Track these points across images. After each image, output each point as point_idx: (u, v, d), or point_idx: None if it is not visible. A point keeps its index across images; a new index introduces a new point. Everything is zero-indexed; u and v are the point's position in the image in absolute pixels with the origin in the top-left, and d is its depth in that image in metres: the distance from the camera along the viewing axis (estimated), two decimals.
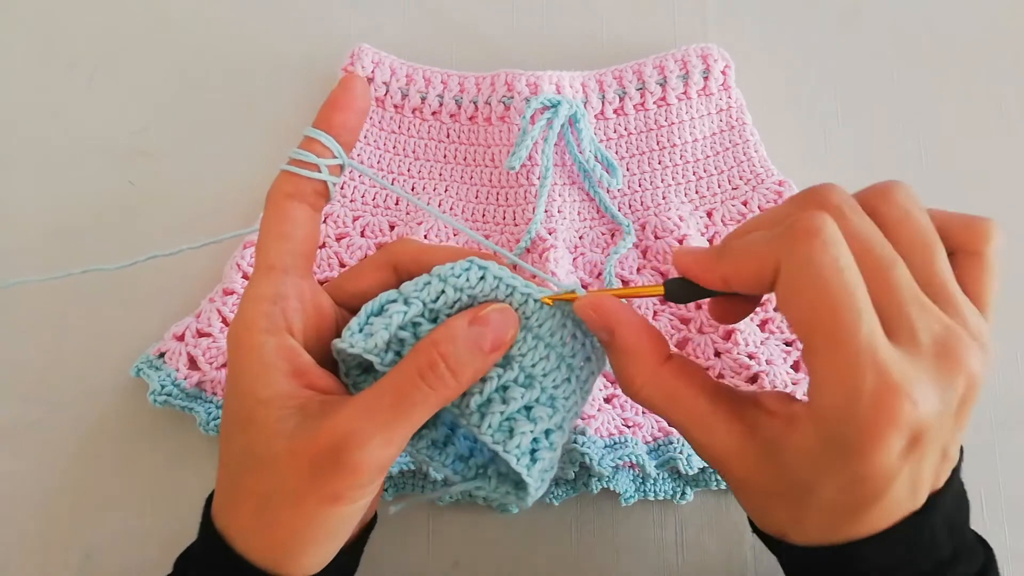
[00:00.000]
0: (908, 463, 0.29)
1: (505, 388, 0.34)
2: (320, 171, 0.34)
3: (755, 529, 0.35)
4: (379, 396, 0.32)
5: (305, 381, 0.33)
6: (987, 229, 0.32)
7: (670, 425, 0.33)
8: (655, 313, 0.51)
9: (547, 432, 0.34)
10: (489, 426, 0.33)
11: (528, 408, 0.34)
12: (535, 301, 0.34)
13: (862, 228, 0.30)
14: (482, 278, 0.34)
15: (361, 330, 0.33)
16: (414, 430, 0.32)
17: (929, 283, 0.30)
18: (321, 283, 0.51)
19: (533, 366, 0.34)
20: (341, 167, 0.35)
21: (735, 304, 0.36)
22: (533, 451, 0.34)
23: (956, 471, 0.32)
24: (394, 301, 0.34)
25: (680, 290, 0.34)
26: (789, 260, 0.29)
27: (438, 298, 0.33)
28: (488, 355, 0.33)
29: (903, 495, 0.30)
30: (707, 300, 0.37)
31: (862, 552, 0.31)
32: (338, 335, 0.34)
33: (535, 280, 0.37)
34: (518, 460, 0.33)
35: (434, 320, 0.34)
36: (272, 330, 0.33)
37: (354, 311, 0.34)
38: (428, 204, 0.53)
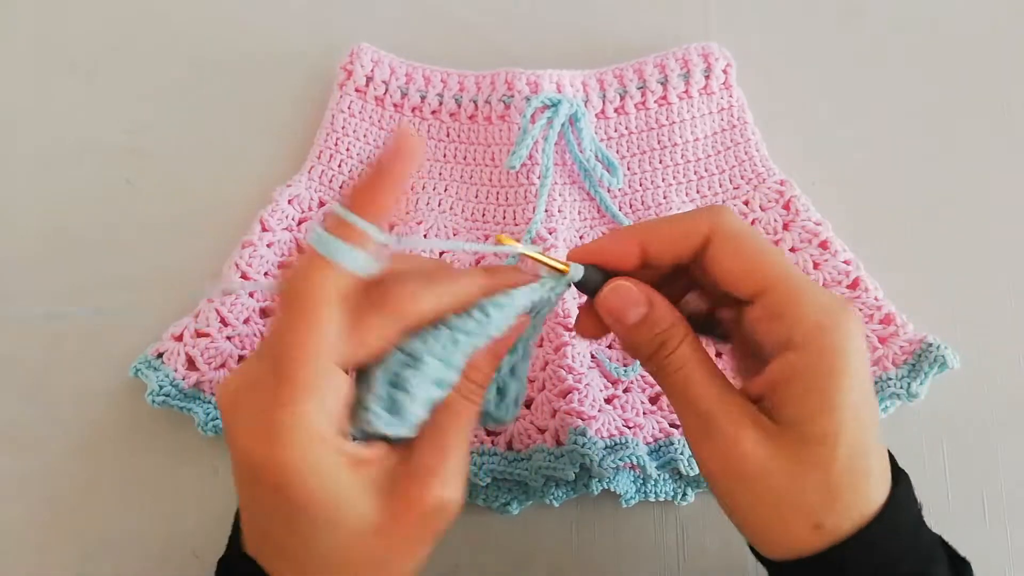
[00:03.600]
0: (872, 391, 0.33)
1: (512, 369, 0.36)
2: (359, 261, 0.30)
3: (758, 555, 0.36)
4: (438, 434, 0.33)
5: (360, 464, 0.31)
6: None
7: (689, 412, 0.34)
8: None
9: (512, 369, 0.36)
10: (503, 404, 0.36)
11: (512, 369, 0.36)
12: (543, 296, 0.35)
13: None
14: (488, 315, 0.33)
15: (390, 411, 0.32)
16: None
17: None
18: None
19: (527, 340, 0.36)
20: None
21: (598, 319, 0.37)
22: (500, 389, 0.36)
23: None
24: (410, 368, 0.32)
25: (589, 276, 0.35)
26: (722, 219, 0.33)
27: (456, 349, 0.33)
28: (500, 358, 0.35)
29: (880, 440, 0.33)
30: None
31: (871, 539, 0.32)
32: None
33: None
34: (508, 413, 0.36)
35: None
36: (332, 448, 0.30)
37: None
38: (427, 204, 0.53)
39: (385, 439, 0.33)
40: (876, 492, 0.32)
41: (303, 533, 0.31)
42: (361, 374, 0.32)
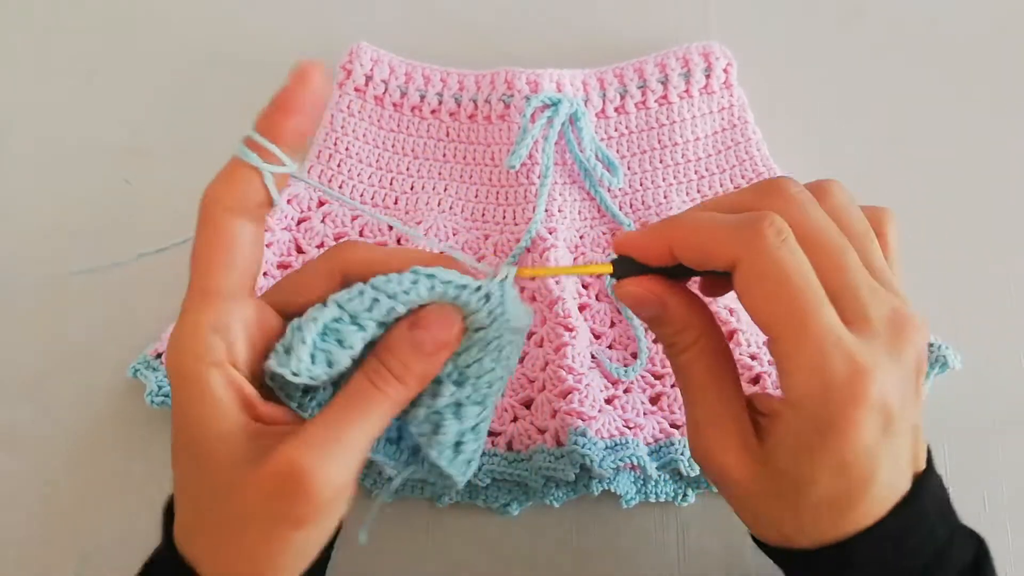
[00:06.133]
0: (886, 442, 0.30)
1: (438, 382, 0.33)
2: (264, 177, 0.31)
3: (757, 542, 0.36)
4: (330, 410, 0.31)
5: (253, 414, 0.31)
6: (888, 215, 0.35)
7: (687, 408, 0.34)
8: None
9: (474, 426, 0.34)
10: (415, 417, 0.33)
11: (458, 405, 0.33)
12: (478, 300, 0.33)
13: (818, 218, 0.32)
14: (415, 282, 0.32)
15: (286, 350, 0.31)
16: (370, 442, 0.31)
17: (870, 267, 0.32)
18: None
19: (467, 367, 0.33)
20: (287, 175, 0.32)
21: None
22: (458, 443, 0.33)
23: (929, 454, 0.33)
24: (315, 311, 0.31)
25: (626, 269, 0.34)
26: (749, 251, 0.30)
27: (372, 308, 0.31)
28: (432, 356, 0.32)
29: (891, 478, 0.31)
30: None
31: (864, 546, 0.31)
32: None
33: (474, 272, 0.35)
34: (439, 454, 0.33)
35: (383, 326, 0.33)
36: (217, 362, 0.31)
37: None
38: (427, 204, 0.53)
39: (297, 396, 0.33)
40: (857, 521, 0.31)
41: (184, 456, 0.32)
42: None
